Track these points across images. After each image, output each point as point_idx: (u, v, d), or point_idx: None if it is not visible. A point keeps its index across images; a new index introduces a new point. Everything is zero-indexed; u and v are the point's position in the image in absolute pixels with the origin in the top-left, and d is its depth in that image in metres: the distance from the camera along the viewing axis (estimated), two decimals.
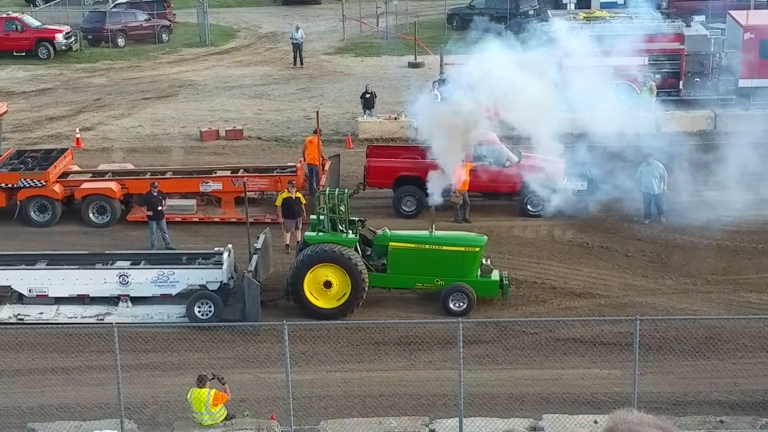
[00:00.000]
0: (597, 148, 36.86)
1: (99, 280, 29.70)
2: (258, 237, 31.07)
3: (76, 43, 62.97)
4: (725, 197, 36.69)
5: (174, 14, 70.08)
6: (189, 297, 29.34)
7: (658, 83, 45.09)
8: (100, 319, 29.17)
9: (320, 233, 29.68)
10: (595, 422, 23.25)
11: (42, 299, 29.81)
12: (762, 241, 33.82)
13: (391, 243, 30.03)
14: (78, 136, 44.75)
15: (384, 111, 46.19)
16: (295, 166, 36.95)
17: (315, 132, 39.23)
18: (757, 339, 27.55)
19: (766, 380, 25.76)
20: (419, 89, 48.35)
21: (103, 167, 38.80)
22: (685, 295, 30.62)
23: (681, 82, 46.13)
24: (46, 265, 30.52)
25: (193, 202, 36.53)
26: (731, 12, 49.22)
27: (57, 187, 36.19)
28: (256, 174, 37.02)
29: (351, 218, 30.32)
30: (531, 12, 61.74)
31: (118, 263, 30.42)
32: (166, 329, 28.56)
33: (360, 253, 29.79)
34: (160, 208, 33.77)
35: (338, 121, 47.21)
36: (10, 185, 36.13)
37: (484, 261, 30.37)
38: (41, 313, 29.62)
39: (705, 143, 41.87)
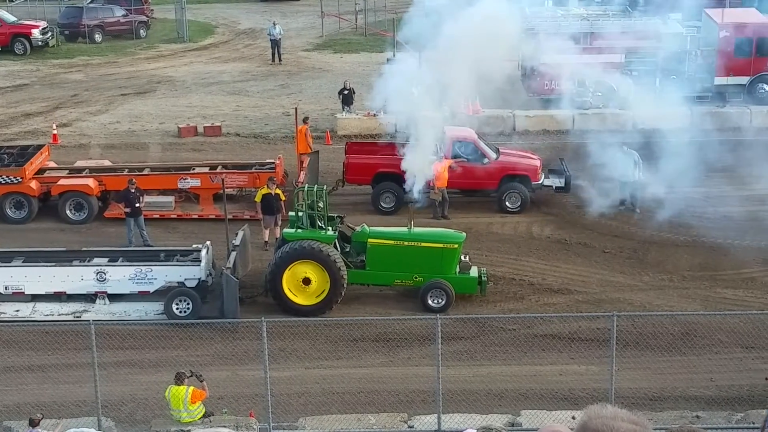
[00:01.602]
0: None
1: (76, 277, 29.61)
2: (236, 234, 31.03)
3: (52, 38, 62.73)
4: (701, 193, 36.96)
5: (152, 10, 69.86)
6: (167, 294, 29.28)
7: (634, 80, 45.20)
8: (77, 317, 29.09)
9: (299, 230, 29.68)
10: (573, 418, 23.33)
11: (18, 296, 29.69)
12: (737, 238, 33.97)
13: (369, 239, 30.05)
14: (55, 132, 44.58)
15: (363, 108, 46.17)
16: (273, 163, 36.91)
17: (305, 120, 39.68)
18: (732, 335, 27.67)
19: (741, 375, 25.89)
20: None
21: (80, 164, 38.68)
22: (662, 291, 30.75)
23: (657, 80, 46.24)
24: (23, 262, 30.43)
25: (171, 198, 36.47)
26: (707, 10, 49.38)
27: (33, 184, 36.05)
28: (235, 171, 36.98)
29: (330, 215, 30.33)
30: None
31: (96, 260, 30.34)
32: (144, 326, 28.52)
33: (339, 249, 29.80)
34: (137, 204, 33.69)
35: (317, 117, 47.11)
36: None
37: (462, 257, 30.44)
38: (17, 311, 29.51)
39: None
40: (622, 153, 36.13)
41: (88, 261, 30.29)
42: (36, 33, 61.42)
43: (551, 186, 36.77)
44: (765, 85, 45.60)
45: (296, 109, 40.15)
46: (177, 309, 29.14)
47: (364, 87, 49.39)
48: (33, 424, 22.12)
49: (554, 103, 45.46)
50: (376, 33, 62.93)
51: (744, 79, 45.43)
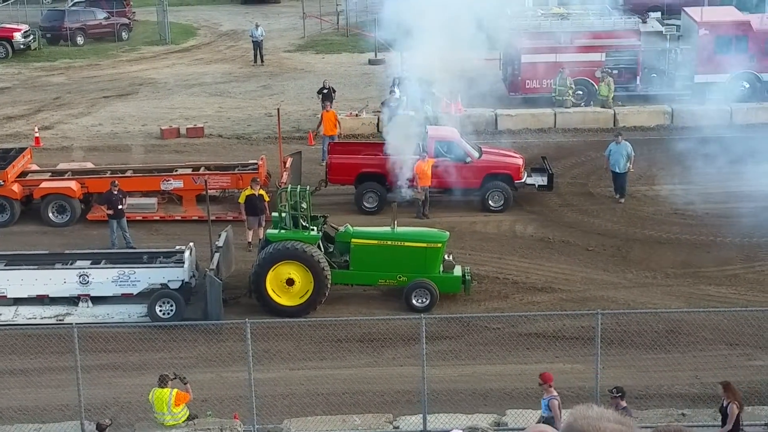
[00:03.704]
0: None
1: (59, 280, 29.50)
2: (219, 235, 31.00)
3: (34, 41, 62.54)
4: (684, 191, 37.13)
5: (133, 12, 69.71)
6: (150, 296, 29.23)
7: (615, 79, 45.35)
8: (60, 320, 29.00)
9: (282, 230, 29.65)
10: None
11: (0, 300, 29.58)
12: (720, 235, 34.06)
13: (353, 240, 30.03)
14: (37, 135, 44.45)
15: (345, 108, 46.16)
16: (256, 164, 36.87)
17: (325, 107, 41.70)
18: (717, 332, 27.73)
19: (726, 373, 25.84)
20: (380, 86, 48.58)
21: (62, 166, 38.56)
22: (646, 288, 30.81)
23: (638, 78, 46.41)
24: (5, 265, 30.29)
25: (154, 200, 36.40)
26: (686, 9, 49.55)
27: (15, 187, 35.94)
28: (218, 172, 36.92)
29: (313, 215, 30.31)
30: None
31: (78, 263, 30.22)
32: (127, 329, 28.46)
33: (322, 250, 29.78)
34: (120, 206, 33.62)
35: (299, 118, 47.14)
36: None
37: (446, 257, 30.44)
38: (0, 315, 29.41)
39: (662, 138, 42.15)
40: (615, 144, 36.43)
41: (71, 264, 30.17)
42: (18, 36, 61.23)
43: (534, 184, 36.82)
44: (745, 83, 45.71)
45: (278, 110, 40.09)
46: (160, 311, 29.08)
47: (346, 87, 49.45)
48: (101, 429, 22.09)
49: (535, 102, 45.58)
50: (358, 33, 62.91)
51: (724, 77, 45.52)
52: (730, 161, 38.37)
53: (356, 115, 44.37)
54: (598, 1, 49.43)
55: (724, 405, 21.83)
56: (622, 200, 36.75)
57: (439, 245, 30.08)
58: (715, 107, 44.69)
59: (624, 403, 21.42)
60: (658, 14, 51.23)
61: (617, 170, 36.72)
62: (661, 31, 47.22)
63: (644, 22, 47.23)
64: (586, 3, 49.52)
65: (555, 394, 21.90)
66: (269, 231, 30.20)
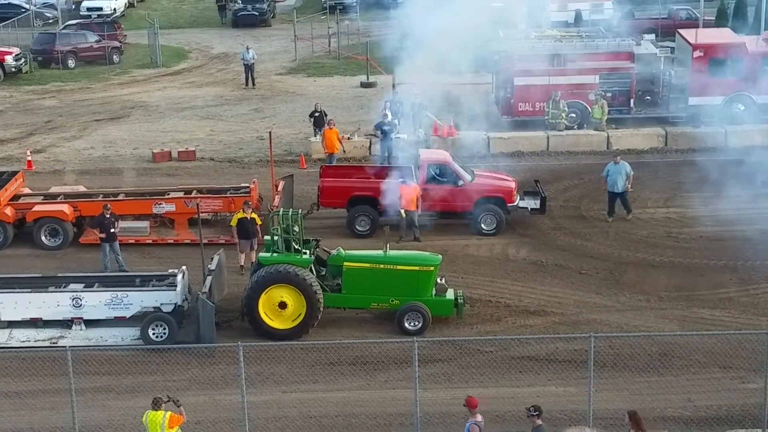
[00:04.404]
0: None
1: (52, 303, 29.45)
2: (212, 258, 30.98)
3: (26, 64, 62.62)
4: (678, 213, 37.24)
5: (125, 35, 69.86)
6: (143, 319, 29.18)
7: (609, 101, 45.43)
8: (54, 343, 28.95)
9: (275, 254, 29.63)
10: None
11: None
12: (714, 258, 34.09)
13: (345, 263, 30.00)
14: (29, 158, 44.47)
15: (338, 131, 46.15)
16: (248, 187, 36.87)
17: (329, 124, 42.73)
18: (710, 355, 27.72)
19: (719, 396, 25.92)
20: (371, 109, 48.67)
21: (54, 189, 38.52)
22: (639, 311, 30.80)
23: (632, 101, 46.49)
24: None
25: (146, 223, 36.38)
26: (680, 31, 49.70)
27: (8, 210, 35.92)
28: (210, 195, 36.92)
29: (305, 239, 30.29)
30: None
31: (71, 286, 30.18)
32: (121, 352, 28.39)
33: (315, 273, 29.75)
34: (112, 230, 33.60)
35: (291, 141, 47.17)
36: None
37: (438, 280, 30.42)
38: None
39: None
40: (613, 164, 36.58)
41: (64, 287, 30.15)
42: (9, 59, 61.30)
43: (526, 208, 36.83)
44: (740, 105, 45.78)
45: (270, 133, 40.09)
46: (153, 334, 29.03)
47: (338, 110, 49.52)
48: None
49: (528, 124, 45.63)
50: (349, 57, 63.04)
51: (719, 100, 45.62)
52: (724, 184, 38.44)
53: (348, 138, 44.42)
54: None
55: None
56: (629, 216, 37.06)
57: (432, 268, 30.06)
58: (709, 129, 44.80)
59: (539, 422, 21.52)
60: (653, 36, 51.39)
61: (615, 190, 36.83)
62: (656, 53, 47.33)
63: (638, 44, 47.33)
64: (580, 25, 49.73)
65: (479, 419, 21.87)
66: (261, 254, 30.17)
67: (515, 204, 36.50)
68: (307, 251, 29.95)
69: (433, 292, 30.08)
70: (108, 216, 33.56)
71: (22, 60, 62.39)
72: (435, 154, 37.66)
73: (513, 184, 36.83)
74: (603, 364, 26.45)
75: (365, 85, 56.49)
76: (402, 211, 35.14)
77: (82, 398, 24.35)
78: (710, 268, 33.45)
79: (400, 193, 35.08)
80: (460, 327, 30.01)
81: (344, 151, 43.34)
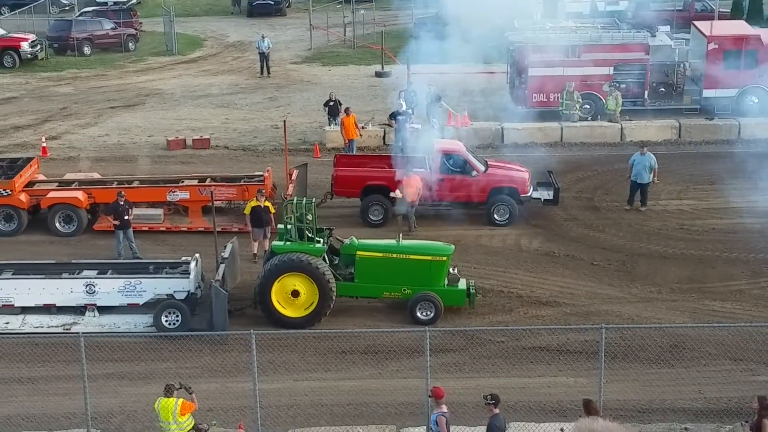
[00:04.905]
0: None
1: (65, 290, 29.57)
2: (225, 246, 31.04)
3: (41, 51, 62.74)
4: (690, 206, 37.24)
5: (140, 23, 69.97)
6: (156, 306, 29.28)
7: (623, 93, 45.36)
8: (67, 329, 29.05)
9: (288, 242, 29.69)
10: (561, 430, 23.46)
11: (8, 309, 29.67)
12: (726, 250, 34.08)
13: (358, 252, 30.06)
14: (44, 145, 44.60)
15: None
16: (262, 175, 36.93)
17: (347, 111, 42.73)
18: (721, 347, 27.73)
19: (729, 388, 25.92)
20: (386, 99, 48.71)
21: (69, 176, 38.64)
22: (650, 303, 30.80)
23: (646, 92, 46.42)
24: (12, 274, 30.38)
25: (160, 211, 36.48)
26: (695, 23, 49.61)
27: (23, 197, 36.05)
28: (224, 183, 37.00)
29: (318, 227, 30.35)
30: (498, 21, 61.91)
31: (85, 272, 30.29)
32: (133, 339, 28.49)
33: (327, 262, 29.80)
34: (126, 217, 33.70)
35: (305, 130, 47.21)
36: None
37: (451, 270, 30.46)
38: (7, 323, 29.47)
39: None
40: (640, 155, 36.68)
41: (78, 273, 30.26)
42: (25, 46, 61.44)
43: (540, 198, 36.83)
44: (754, 98, 45.71)
45: (284, 121, 40.16)
46: (166, 321, 29.13)
47: (353, 99, 49.54)
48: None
49: (542, 115, 45.60)
50: (365, 46, 63.03)
51: (733, 92, 45.56)
52: (738, 176, 38.42)
53: (362, 128, 44.46)
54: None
55: None
56: (643, 208, 37.13)
57: (444, 258, 30.11)
58: (723, 122, 44.75)
59: (497, 410, 21.58)
60: (668, 28, 51.27)
61: (640, 181, 36.94)
62: (670, 45, 47.23)
63: (653, 35, 47.23)
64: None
65: (445, 410, 21.89)
66: (275, 243, 30.24)
67: (528, 195, 36.50)
68: (321, 240, 30.01)
69: (446, 281, 30.13)
70: (122, 203, 33.67)
71: (38, 47, 62.52)
72: (449, 144, 37.65)
73: (526, 175, 36.83)
74: (614, 355, 26.51)
75: (380, 74, 56.48)
76: (397, 192, 35.11)
77: (94, 384, 24.46)
78: (722, 261, 33.44)
79: (403, 183, 35.07)
80: (472, 317, 30.05)
81: (360, 135, 43.38)
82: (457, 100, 44.59)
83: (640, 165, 36.77)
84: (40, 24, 67.34)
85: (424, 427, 23.42)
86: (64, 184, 37.33)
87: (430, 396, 22.12)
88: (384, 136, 44.76)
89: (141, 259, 33.05)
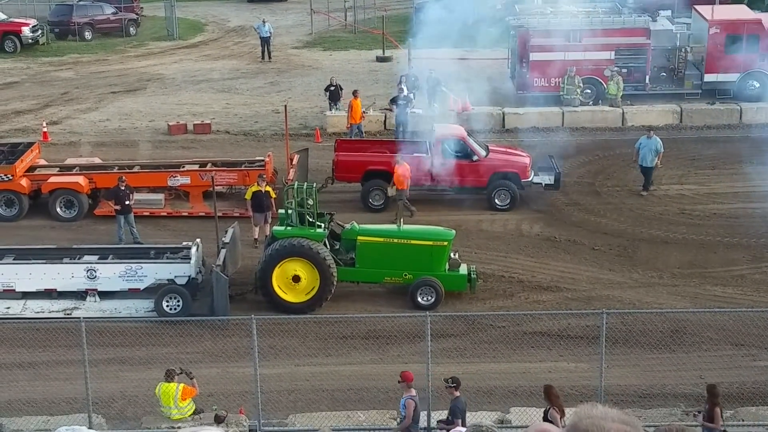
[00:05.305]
0: None
1: (66, 275, 29.63)
2: (226, 231, 31.05)
3: (42, 36, 62.65)
4: (692, 191, 37.21)
5: (141, 7, 69.84)
6: (157, 291, 29.32)
7: (624, 77, 45.30)
8: (68, 314, 29.10)
9: (289, 227, 29.70)
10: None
11: (9, 294, 29.70)
12: (727, 235, 34.08)
13: (359, 237, 30.08)
14: (45, 130, 44.57)
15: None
16: (263, 160, 36.92)
17: (355, 93, 42.79)
18: (721, 332, 27.77)
19: (730, 373, 25.98)
20: (387, 84, 48.65)
21: (70, 161, 38.67)
22: (652, 288, 30.83)
23: (647, 77, 46.35)
24: (13, 259, 30.43)
25: (161, 196, 36.48)
26: (696, 7, 49.49)
27: (24, 181, 36.06)
28: (225, 168, 37.00)
29: (319, 212, 30.35)
30: (498, 7, 61.77)
31: (86, 257, 30.36)
32: (134, 324, 28.55)
33: (328, 247, 29.81)
34: (127, 202, 33.71)
35: (306, 115, 47.18)
36: None
37: (452, 255, 30.47)
38: (8, 308, 29.53)
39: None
40: (646, 138, 36.65)
41: (79, 258, 30.32)
42: (26, 30, 61.33)
43: (541, 183, 36.80)
44: (755, 82, 45.64)
45: (285, 106, 40.13)
46: (167, 306, 29.17)
47: (354, 84, 49.45)
48: (218, 420, 22.26)
49: (544, 100, 45.54)
50: (366, 30, 62.95)
51: (734, 76, 45.50)
52: (738, 161, 38.39)
53: (363, 113, 44.41)
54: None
55: (546, 410, 21.68)
56: (644, 193, 37.17)
57: (445, 243, 30.12)
58: (724, 107, 44.71)
59: (457, 393, 21.67)
60: (669, 12, 51.16)
61: (645, 164, 37.05)
62: (672, 30, 47.15)
63: (654, 20, 47.12)
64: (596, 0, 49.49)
65: (413, 393, 21.97)
66: (275, 228, 30.25)
67: (529, 179, 36.48)
68: (321, 225, 30.01)
69: (447, 266, 30.14)
70: (123, 188, 33.68)
71: (39, 31, 62.41)
72: (450, 129, 37.60)
73: (527, 160, 36.81)
74: (615, 340, 26.53)
75: (381, 59, 56.40)
76: (392, 188, 35.14)
77: (95, 369, 24.51)
78: (723, 246, 33.46)
79: (394, 172, 35.04)
80: (473, 302, 30.07)
81: (362, 119, 43.38)
82: (458, 84, 44.51)
83: (647, 149, 36.79)
84: (41, 9, 67.18)
85: (425, 413, 23.44)
86: (65, 169, 37.34)
87: (399, 381, 22.16)
88: (385, 121, 44.72)
89: (142, 244, 33.06)
